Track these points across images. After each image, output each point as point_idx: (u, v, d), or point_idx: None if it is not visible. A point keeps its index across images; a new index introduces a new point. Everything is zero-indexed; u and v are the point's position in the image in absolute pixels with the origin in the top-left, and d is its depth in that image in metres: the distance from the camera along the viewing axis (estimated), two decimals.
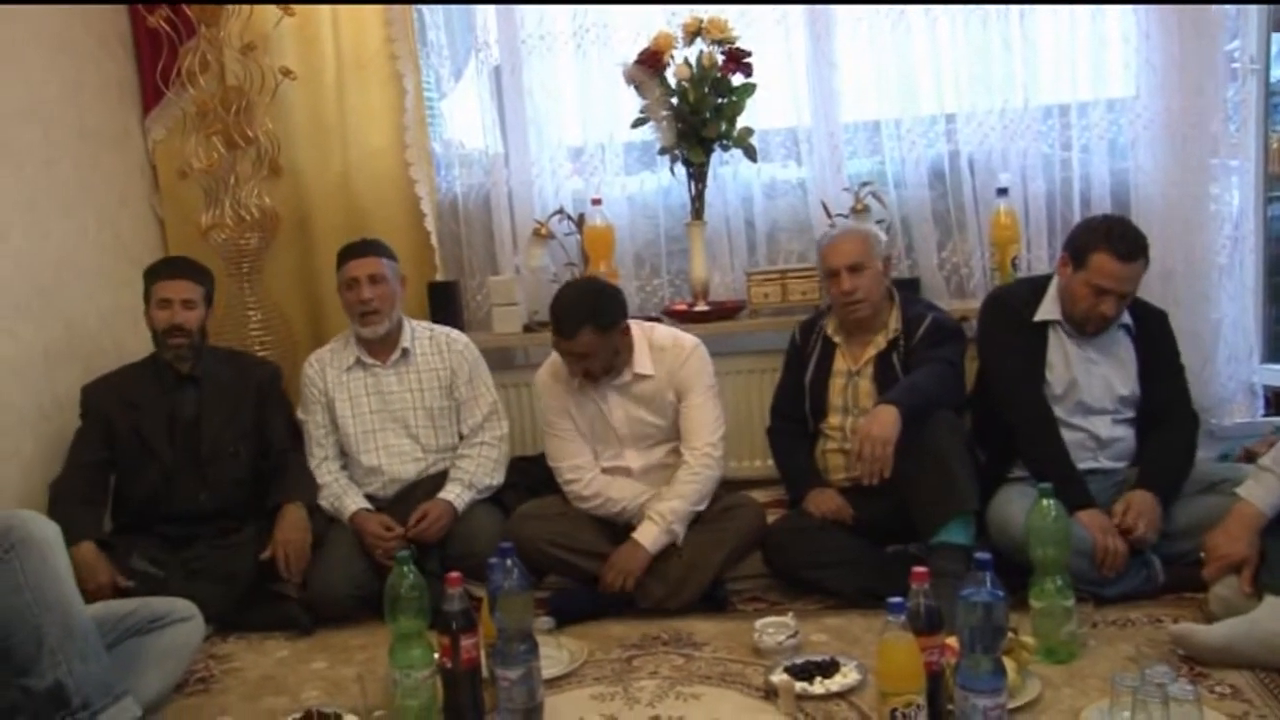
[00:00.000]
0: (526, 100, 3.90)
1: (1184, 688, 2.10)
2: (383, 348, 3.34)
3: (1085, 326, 2.98)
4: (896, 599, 2.09)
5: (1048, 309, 3.03)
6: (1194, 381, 3.21)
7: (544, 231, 3.81)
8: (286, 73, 3.80)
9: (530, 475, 3.39)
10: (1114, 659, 2.54)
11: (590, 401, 3.15)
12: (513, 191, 3.96)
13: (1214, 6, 3.52)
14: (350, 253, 3.32)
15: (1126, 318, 3.02)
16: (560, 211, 3.84)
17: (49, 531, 2.29)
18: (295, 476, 3.26)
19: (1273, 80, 3.94)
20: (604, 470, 3.16)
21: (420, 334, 3.40)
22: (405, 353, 3.35)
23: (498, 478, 3.31)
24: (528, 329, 3.84)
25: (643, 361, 3.12)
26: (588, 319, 2.98)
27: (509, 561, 2.38)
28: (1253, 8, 3.64)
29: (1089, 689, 2.40)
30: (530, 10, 3.86)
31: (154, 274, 3.29)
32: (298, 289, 4.05)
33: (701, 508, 3.06)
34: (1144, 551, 2.87)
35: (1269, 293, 3.90)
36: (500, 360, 3.87)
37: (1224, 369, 3.70)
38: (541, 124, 3.93)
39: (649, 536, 2.99)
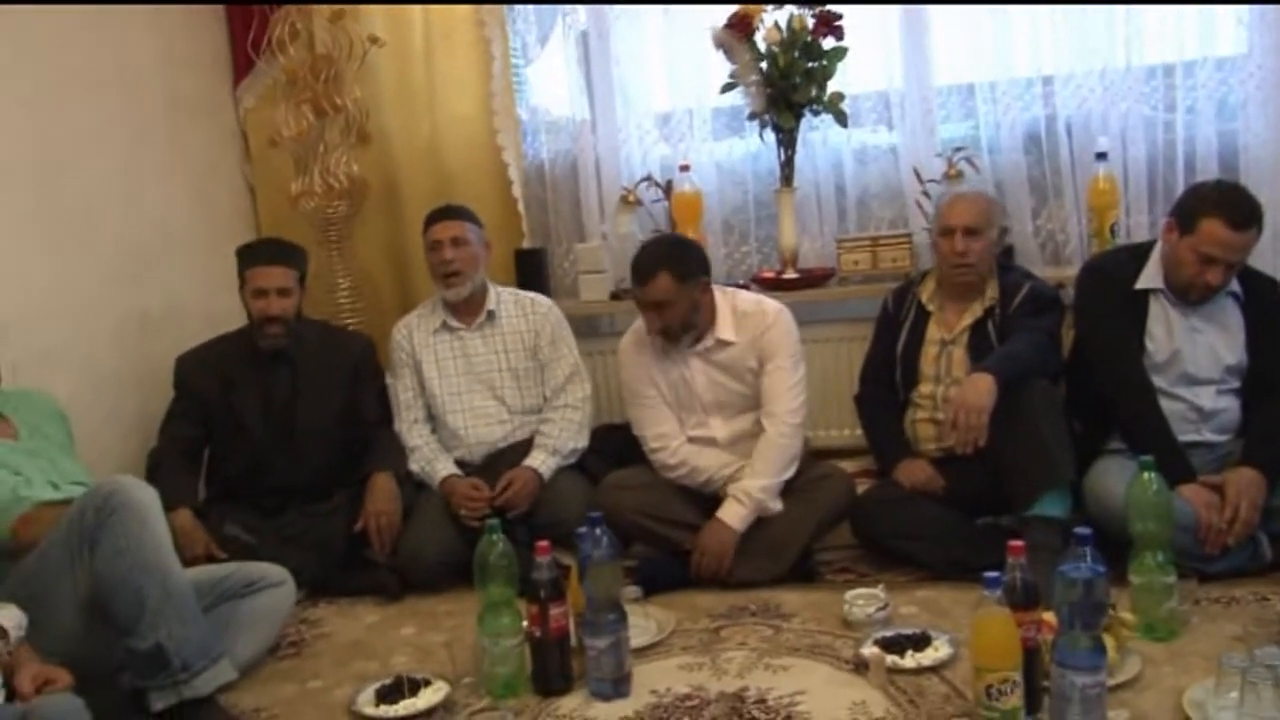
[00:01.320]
0: (613, 66, 3.89)
1: None
2: (468, 311, 3.37)
3: (1189, 294, 2.88)
4: (993, 573, 2.05)
5: (1150, 276, 2.94)
6: None
7: (631, 198, 3.79)
8: (374, 40, 3.82)
9: (616, 443, 3.39)
10: (1218, 638, 2.47)
11: (674, 368, 3.13)
12: (600, 158, 3.95)
13: None
14: (434, 216, 3.36)
15: (1235, 285, 2.91)
16: (648, 178, 3.82)
17: (148, 497, 2.35)
18: (386, 447, 3.30)
19: None
20: (690, 440, 3.14)
21: (505, 298, 3.42)
22: (491, 315, 3.37)
23: (582, 441, 3.32)
24: (615, 296, 3.83)
25: (725, 326, 3.09)
26: (664, 264, 2.98)
27: (598, 530, 2.39)
28: None
29: (1191, 667, 2.33)
30: None
31: (249, 258, 3.31)
32: (386, 256, 4.08)
33: (788, 476, 3.03)
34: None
35: None
36: (587, 328, 3.88)
37: None
38: (628, 90, 3.91)
39: (736, 516, 2.97)
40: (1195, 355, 2.91)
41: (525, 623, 2.42)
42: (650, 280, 2.98)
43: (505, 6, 3.93)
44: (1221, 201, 2.80)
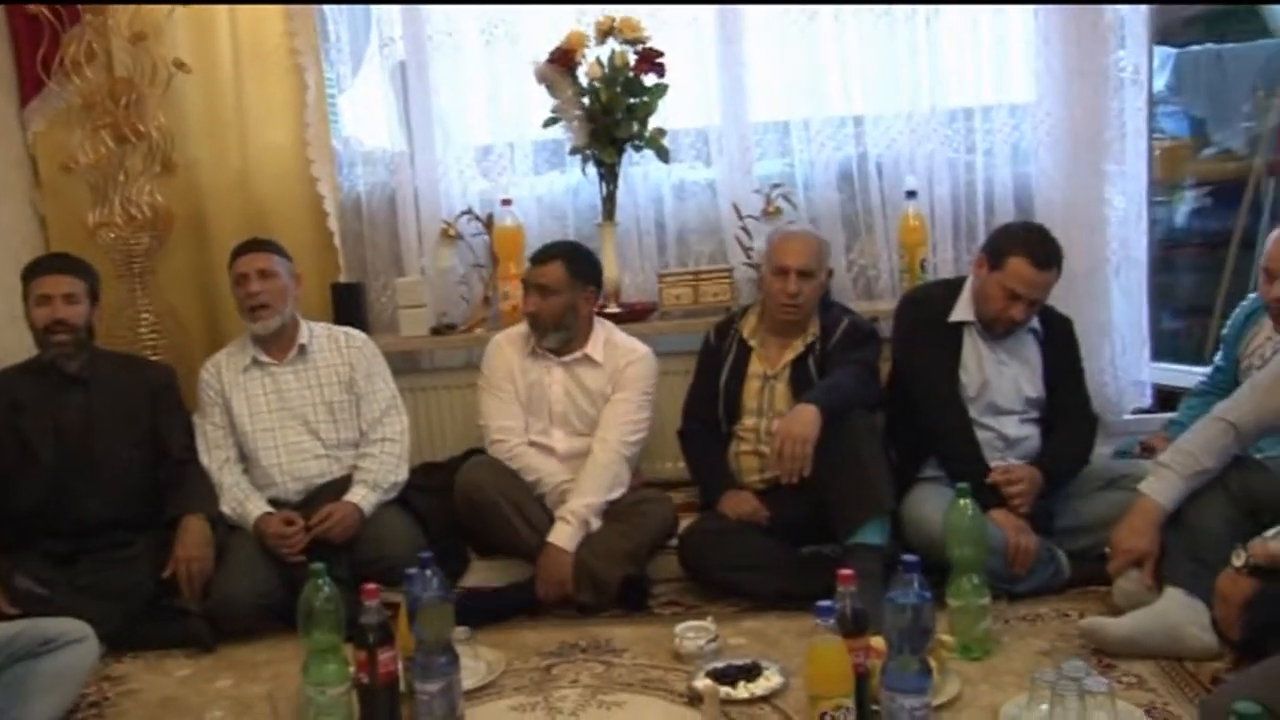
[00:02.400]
0: (432, 98, 3.83)
1: (1098, 681, 2.16)
2: (279, 346, 3.26)
3: (994, 327, 3.04)
4: (825, 602, 2.09)
5: (963, 310, 3.09)
6: (1090, 379, 3.32)
7: (452, 232, 3.74)
8: (180, 65, 3.66)
9: (441, 481, 3.32)
10: (1027, 654, 2.59)
11: (536, 370, 3.19)
12: (418, 191, 3.88)
13: (1104, 16, 3.63)
14: (240, 250, 3.26)
15: (1035, 323, 3.10)
16: (468, 212, 3.77)
17: None
18: (194, 486, 3.14)
19: (1155, 91, 4.10)
20: (530, 444, 3.18)
21: (318, 332, 3.33)
22: (302, 349, 3.27)
23: (402, 474, 3.25)
24: (435, 331, 3.76)
25: (595, 347, 3.20)
26: (563, 254, 3.17)
27: (428, 571, 2.33)
28: (1139, 21, 3.77)
29: (1005, 684, 2.44)
30: (437, 6, 3.78)
31: (31, 271, 3.12)
32: (194, 291, 3.89)
33: (612, 497, 3.07)
34: (1052, 547, 2.94)
35: (1154, 293, 4.05)
36: (407, 364, 3.80)
37: (1117, 367, 3.83)
38: (448, 122, 3.86)
39: (565, 537, 2.99)
40: (1001, 386, 3.07)
41: (353, 669, 2.32)
42: (545, 263, 3.14)
43: (318, 33, 3.82)
44: (1029, 241, 2.98)
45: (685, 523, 3.18)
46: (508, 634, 2.89)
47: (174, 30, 3.71)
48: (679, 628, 2.74)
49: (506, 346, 3.25)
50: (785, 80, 3.79)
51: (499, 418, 3.19)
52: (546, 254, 3.18)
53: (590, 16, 3.65)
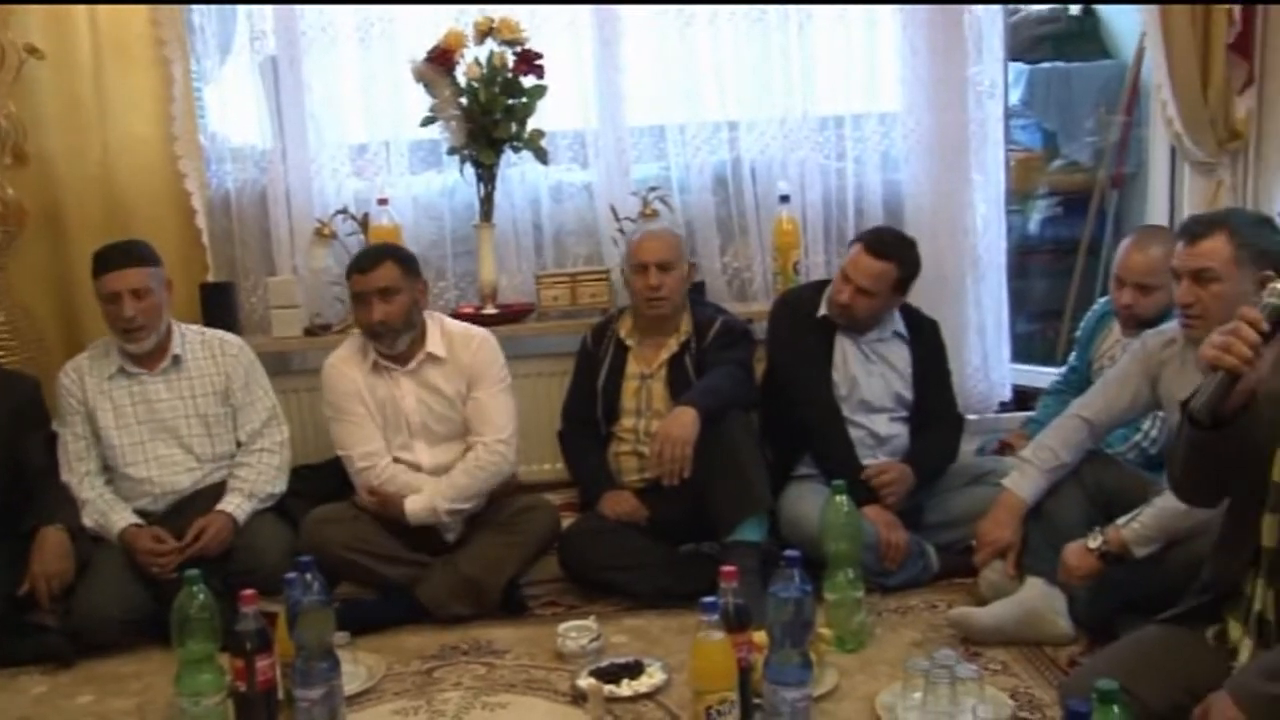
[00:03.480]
0: (305, 94, 3.74)
1: (968, 668, 2.27)
2: (150, 356, 3.11)
3: (839, 318, 3.16)
4: (709, 599, 2.13)
5: (824, 305, 3.21)
6: (955, 379, 3.45)
7: (326, 231, 3.67)
8: (32, 50, 3.48)
9: (315, 484, 3.26)
10: (899, 645, 2.68)
11: (384, 386, 3.08)
12: (291, 189, 3.78)
13: (964, 30, 3.79)
14: (108, 263, 3.01)
15: (901, 326, 3.23)
16: (343, 211, 3.71)
17: None
18: (54, 498, 2.99)
19: (1010, 104, 4.30)
20: (394, 462, 3.10)
21: (191, 338, 3.19)
22: (176, 360, 3.13)
23: (280, 485, 3.16)
24: (309, 332, 3.68)
25: (435, 342, 3.09)
26: (390, 254, 3.08)
27: (308, 575, 2.29)
28: (995, 36, 3.93)
29: (880, 674, 2.52)
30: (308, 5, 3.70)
31: None
32: (49, 289, 3.69)
33: (471, 505, 3.03)
34: (921, 541, 3.05)
35: (1012, 298, 4.23)
36: (280, 365, 3.71)
37: (977, 368, 3.99)
38: (321, 119, 3.78)
39: (419, 506, 2.98)
40: (871, 385, 3.18)
41: (229, 678, 2.27)
42: (376, 267, 3.01)
43: (184, 22, 3.69)
44: (871, 234, 3.19)
45: (565, 523, 3.19)
46: (388, 638, 2.86)
47: (25, 15, 3.53)
48: (561, 627, 2.75)
49: (345, 368, 3.10)
50: (662, 84, 3.83)
51: (360, 444, 3.06)
52: (373, 259, 3.04)
53: (470, 16, 3.62)
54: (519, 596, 3.05)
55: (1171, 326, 2.70)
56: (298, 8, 3.70)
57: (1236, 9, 3.47)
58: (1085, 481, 2.79)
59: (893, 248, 3.11)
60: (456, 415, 3.10)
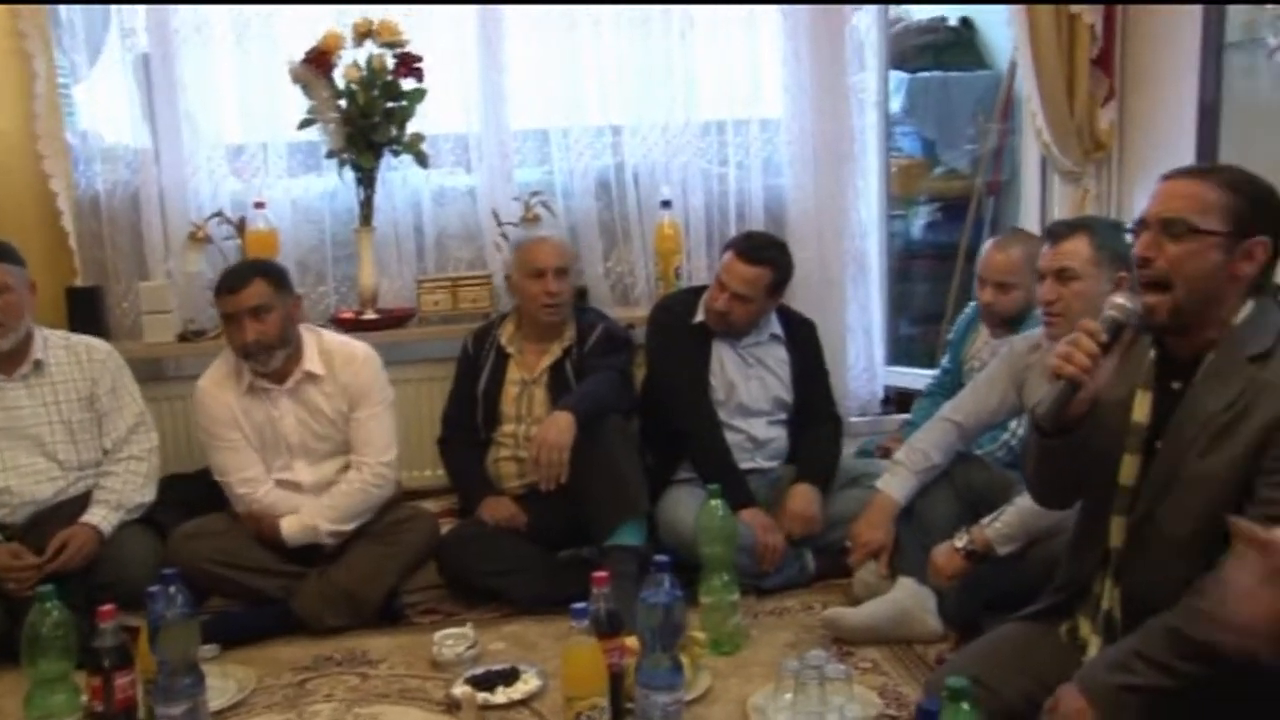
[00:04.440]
0: (179, 93, 3.64)
1: (837, 668, 2.30)
2: (9, 360, 2.98)
3: (717, 325, 3.18)
4: (579, 604, 2.14)
5: (699, 311, 3.24)
6: (833, 381, 3.51)
7: (201, 235, 3.58)
8: None
9: (187, 494, 3.17)
10: (775, 646, 2.72)
11: (260, 407, 3.01)
12: (164, 191, 3.68)
13: (845, 38, 3.86)
14: None
15: (777, 328, 3.27)
16: (219, 214, 3.62)
17: None
18: None
19: (891, 112, 4.39)
20: (276, 484, 3.03)
21: (55, 343, 3.07)
22: (38, 364, 3.01)
23: (149, 494, 3.06)
24: (183, 338, 3.59)
25: (312, 360, 3.02)
26: (258, 270, 2.97)
27: (171, 588, 2.23)
28: (875, 46, 4.03)
29: (754, 676, 2.55)
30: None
31: None
32: None
33: (353, 525, 2.98)
34: (798, 544, 3.09)
35: (891, 302, 4.33)
36: (152, 372, 3.61)
37: (856, 371, 4.07)
38: (196, 119, 3.68)
39: (295, 527, 2.93)
40: (749, 389, 3.22)
41: (85, 697, 2.20)
42: (245, 285, 2.91)
43: (49, 17, 3.55)
44: (743, 239, 3.21)
45: (445, 530, 3.17)
46: (260, 650, 2.80)
47: None
48: (437, 635, 2.73)
49: (218, 393, 3.02)
50: (545, 89, 3.82)
51: (237, 470, 2.99)
52: (241, 278, 2.94)
53: (349, 17, 3.56)
54: (398, 606, 3.02)
55: (1037, 332, 2.80)
56: (169, 5, 3.59)
57: (1098, 26, 3.59)
58: (955, 482, 2.87)
59: (765, 252, 3.15)
60: (338, 434, 3.05)
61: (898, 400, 4.22)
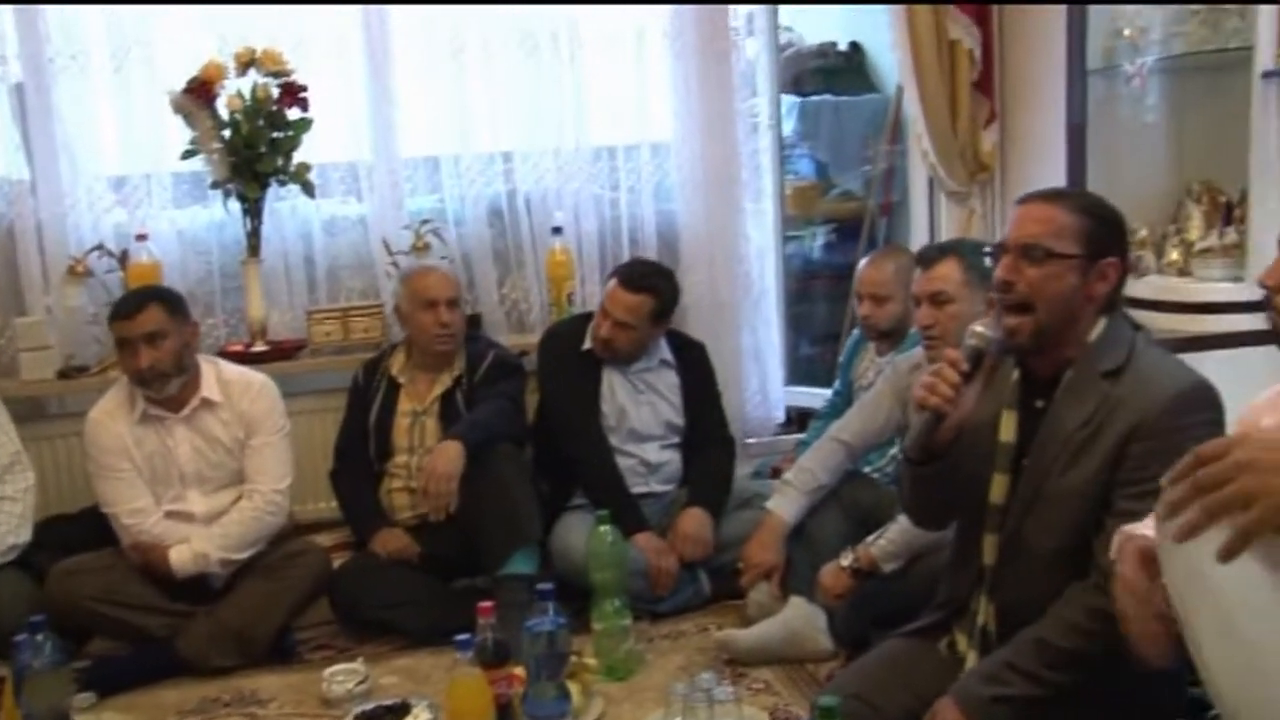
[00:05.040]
0: (56, 124, 3.54)
1: (725, 690, 2.30)
2: None
3: (603, 352, 3.19)
4: (464, 635, 2.12)
5: (587, 338, 3.25)
6: (728, 404, 3.54)
7: (80, 269, 3.48)
8: None
9: (67, 536, 3.09)
10: (668, 670, 2.72)
11: (154, 436, 2.96)
12: (42, 223, 3.56)
13: (734, 64, 3.91)
14: None
15: (667, 353, 3.29)
16: (100, 247, 3.53)
17: None
18: None
19: (785, 135, 4.46)
20: (166, 515, 2.97)
21: None
22: None
23: (24, 534, 2.97)
24: (63, 375, 3.48)
25: (210, 387, 2.99)
26: (154, 296, 2.95)
27: (39, 636, 2.16)
28: (767, 70, 4.09)
29: (646, 701, 2.55)
30: (56, 26, 3.50)
31: None
32: None
33: (246, 554, 2.93)
34: (693, 567, 3.10)
35: (789, 322, 4.38)
36: (31, 411, 3.49)
37: (753, 392, 4.10)
38: (75, 150, 3.58)
39: (182, 559, 2.86)
40: (640, 414, 3.24)
41: None
42: (140, 311, 2.88)
43: None
44: (626, 267, 3.26)
45: (338, 563, 3.12)
46: (143, 695, 2.75)
47: None
48: (327, 672, 2.69)
49: (109, 423, 2.96)
50: (435, 115, 3.80)
51: (124, 501, 2.93)
52: (136, 303, 2.92)
53: (231, 46, 3.51)
54: (289, 643, 2.97)
55: (918, 352, 2.85)
56: (42, 30, 3.47)
57: (977, 51, 3.69)
58: (844, 501, 2.92)
59: (647, 279, 3.17)
60: (233, 462, 3.01)
61: (799, 420, 4.26)
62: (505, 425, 3.08)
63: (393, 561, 3.06)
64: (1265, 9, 2.57)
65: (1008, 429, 1.98)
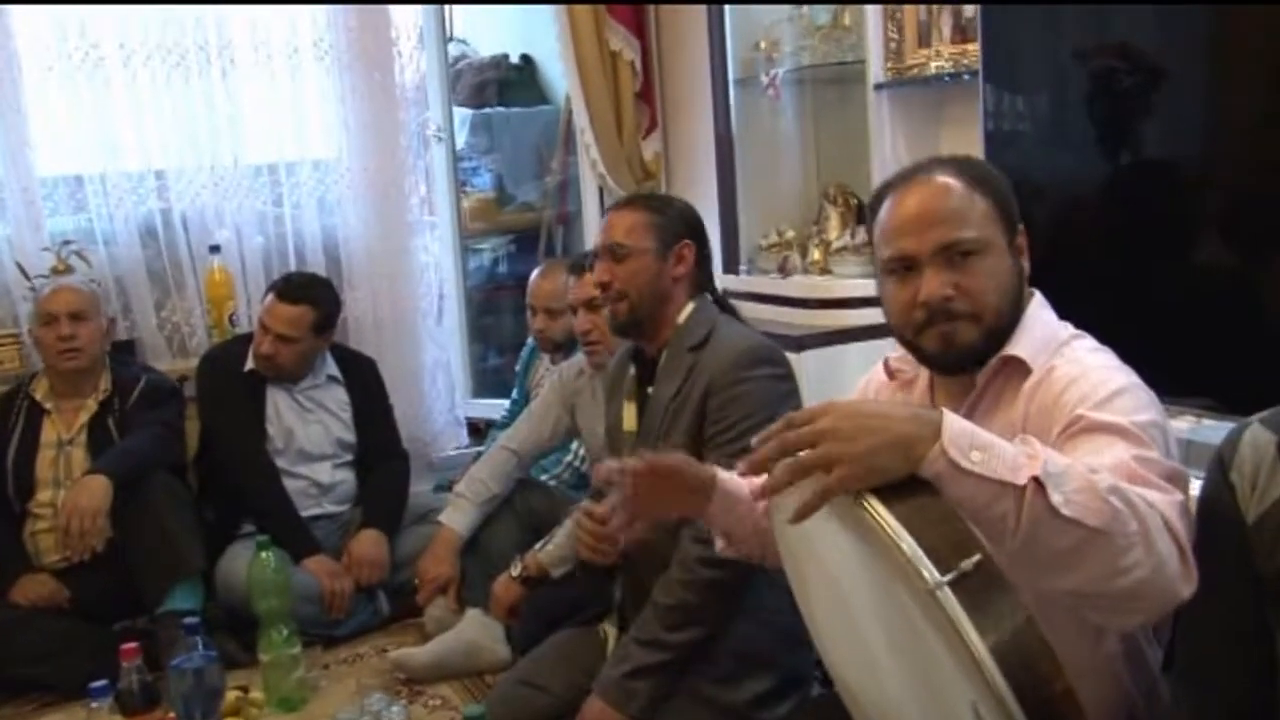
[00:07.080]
0: None
1: (393, 711, 2.28)
2: None
3: (266, 370, 3.11)
4: (99, 683, 1.99)
5: (251, 359, 3.14)
6: (411, 419, 3.51)
7: None
8: None
9: None
10: (342, 695, 2.66)
11: None
12: None
13: (398, 77, 3.86)
14: None
15: (334, 369, 3.21)
16: None
17: None
18: None
19: (460, 149, 4.46)
20: None
21: None
22: None
23: None
24: None
25: None
26: None
27: None
28: (437, 84, 4.08)
29: None
30: None
31: None
32: None
33: None
34: (371, 588, 3.04)
35: (473, 334, 4.38)
36: None
37: (436, 406, 4.07)
38: None
39: None
40: (308, 434, 3.15)
41: None
42: None
43: None
44: (282, 280, 3.20)
45: None
46: None
47: None
48: None
49: None
50: (74, 132, 3.53)
51: None
52: None
53: None
54: None
55: (580, 358, 2.90)
56: None
57: (637, 62, 3.82)
58: (517, 509, 2.94)
59: (304, 290, 3.10)
60: None
61: (487, 432, 4.25)
62: (160, 453, 2.93)
63: (37, 610, 2.82)
64: (872, 25, 2.80)
65: (630, 419, 2.13)
